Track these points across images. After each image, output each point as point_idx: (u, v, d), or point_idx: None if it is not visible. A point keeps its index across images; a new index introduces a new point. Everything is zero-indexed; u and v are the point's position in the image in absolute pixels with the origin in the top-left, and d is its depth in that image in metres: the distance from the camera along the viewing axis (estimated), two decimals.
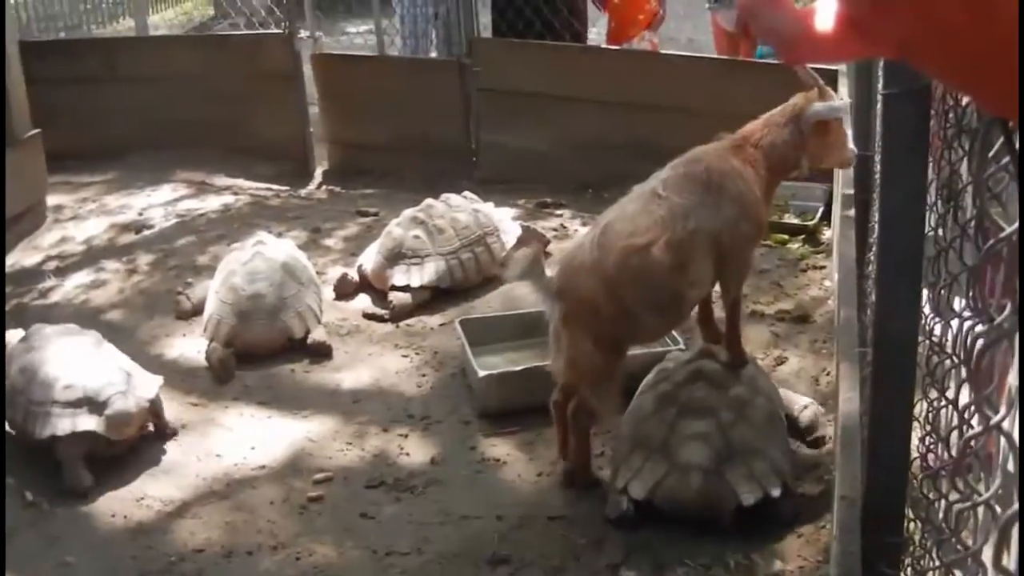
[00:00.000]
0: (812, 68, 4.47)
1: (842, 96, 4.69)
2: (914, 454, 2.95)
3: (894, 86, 2.44)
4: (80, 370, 4.97)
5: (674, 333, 5.23)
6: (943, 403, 2.38)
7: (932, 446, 2.75)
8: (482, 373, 5.16)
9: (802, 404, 4.83)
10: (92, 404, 4.85)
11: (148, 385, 5.09)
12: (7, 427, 5.04)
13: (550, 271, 4.47)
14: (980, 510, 1.65)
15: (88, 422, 4.81)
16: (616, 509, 4.38)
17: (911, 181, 2.50)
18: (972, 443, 1.51)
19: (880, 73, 2.56)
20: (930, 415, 2.82)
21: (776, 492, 4.26)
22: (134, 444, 5.06)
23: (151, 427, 5.18)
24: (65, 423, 4.81)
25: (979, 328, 1.52)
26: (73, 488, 4.80)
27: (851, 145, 4.51)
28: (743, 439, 4.32)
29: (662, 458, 4.35)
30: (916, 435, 2.89)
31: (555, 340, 4.46)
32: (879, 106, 2.53)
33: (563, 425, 4.65)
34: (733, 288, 4.61)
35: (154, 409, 5.13)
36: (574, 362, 4.39)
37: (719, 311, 4.82)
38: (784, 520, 4.33)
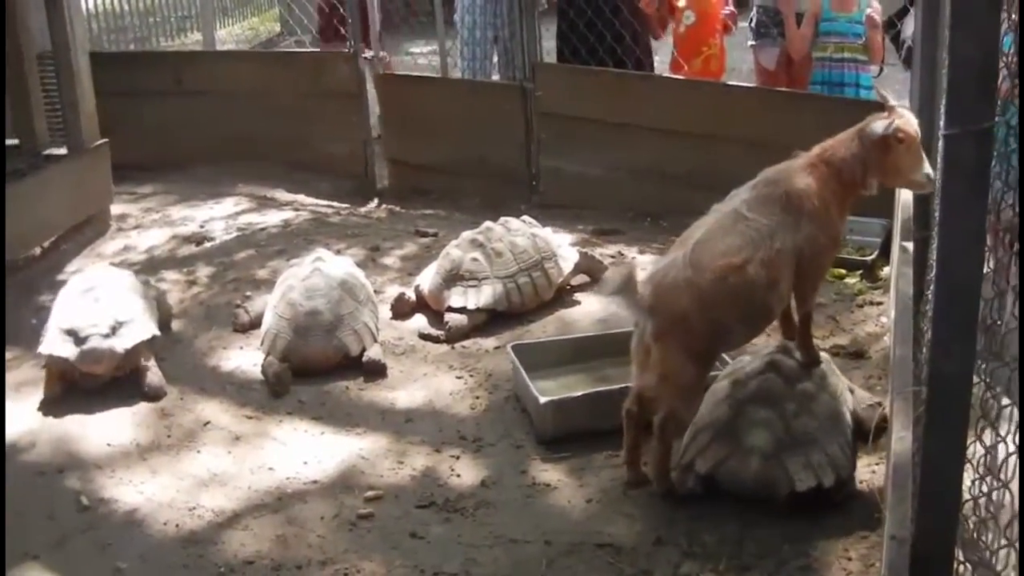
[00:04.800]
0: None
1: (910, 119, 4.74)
2: (967, 496, 2.95)
3: (955, 126, 2.44)
4: (84, 307, 5.78)
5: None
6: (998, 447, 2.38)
7: (984, 489, 2.75)
8: (543, 399, 5.16)
9: (867, 403, 5.08)
10: (76, 337, 5.63)
11: (131, 336, 5.71)
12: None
13: (641, 288, 4.56)
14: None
15: (65, 350, 5.61)
16: (684, 486, 4.70)
17: (970, 223, 2.50)
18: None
19: (942, 112, 2.55)
20: (984, 458, 2.82)
21: (829, 483, 4.49)
22: (108, 383, 5.73)
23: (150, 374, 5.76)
24: (50, 345, 5.66)
25: None
26: (44, 397, 5.66)
27: (927, 169, 4.62)
28: (804, 430, 4.60)
29: (727, 439, 4.65)
30: (968, 477, 2.89)
31: (641, 355, 4.62)
32: (940, 145, 2.53)
33: (634, 433, 4.77)
34: (810, 297, 4.91)
35: (134, 359, 5.73)
36: (666, 376, 4.53)
37: None
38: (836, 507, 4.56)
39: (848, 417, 4.81)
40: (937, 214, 2.89)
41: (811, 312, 4.99)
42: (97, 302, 5.81)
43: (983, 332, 2.73)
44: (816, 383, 4.82)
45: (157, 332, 5.98)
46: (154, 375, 5.75)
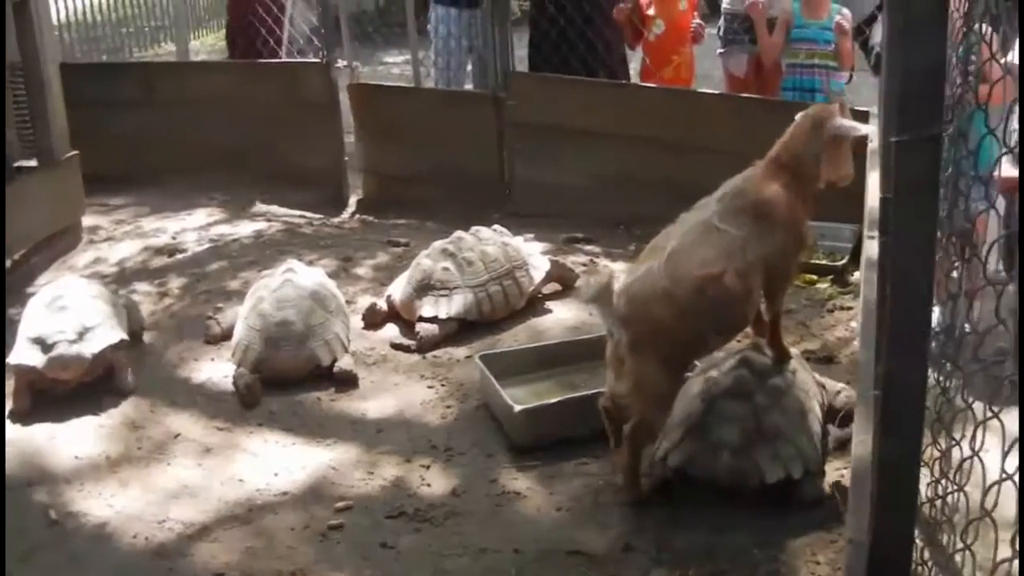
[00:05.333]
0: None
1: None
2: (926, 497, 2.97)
3: (905, 133, 2.45)
4: (51, 316, 5.84)
5: None
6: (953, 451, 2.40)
7: (941, 493, 2.77)
8: (517, 408, 5.16)
9: (837, 388, 5.23)
10: (43, 345, 5.69)
11: (97, 341, 5.77)
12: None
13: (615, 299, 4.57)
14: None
15: (33, 358, 5.66)
16: (655, 479, 4.81)
17: (921, 228, 2.52)
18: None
19: (893, 119, 2.56)
20: (941, 462, 2.84)
21: (797, 474, 4.62)
22: (78, 388, 5.79)
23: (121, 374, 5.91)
24: (18, 355, 5.70)
25: None
26: (12, 409, 5.65)
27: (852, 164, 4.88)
28: (773, 424, 4.70)
29: (699, 434, 4.74)
30: (925, 479, 2.91)
31: (615, 363, 4.64)
32: (891, 152, 2.54)
33: (616, 426, 4.83)
34: (779, 298, 5.00)
35: (103, 362, 5.82)
36: (639, 385, 4.54)
37: None
38: (804, 504, 4.65)
39: (818, 411, 4.92)
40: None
41: (780, 312, 5.07)
42: (63, 310, 5.86)
43: (938, 336, 2.75)
44: (786, 379, 4.92)
45: (125, 336, 6.01)
46: (124, 373, 5.88)
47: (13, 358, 5.71)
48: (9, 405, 5.66)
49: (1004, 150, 2.39)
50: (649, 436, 4.70)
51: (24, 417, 5.59)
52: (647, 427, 4.64)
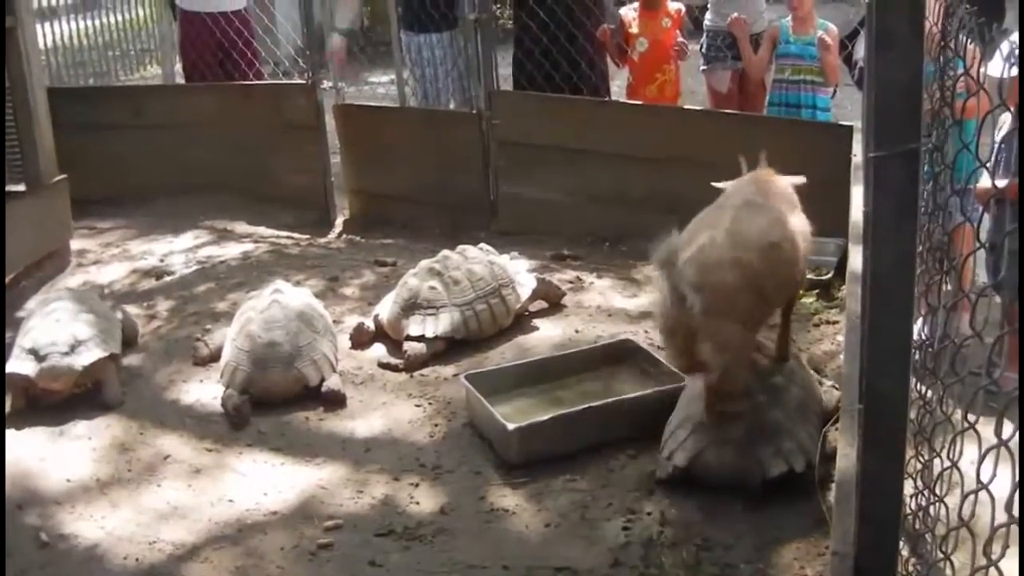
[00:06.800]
0: None
1: None
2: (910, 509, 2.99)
3: (883, 148, 2.48)
4: (46, 328, 6.04)
5: None
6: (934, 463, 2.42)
7: (923, 504, 2.79)
8: (511, 426, 5.17)
9: (827, 386, 5.49)
10: (36, 355, 5.89)
11: (88, 354, 5.95)
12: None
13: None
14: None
15: (26, 368, 5.87)
16: (664, 471, 4.96)
17: (900, 242, 2.54)
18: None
19: (871, 134, 2.59)
20: (923, 473, 2.86)
21: (800, 467, 4.79)
22: (69, 398, 5.98)
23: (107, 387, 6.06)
24: (14, 363, 5.92)
25: None
26: (10, 410, 5.87)
27: None
28: (774, 421, 4.91)
29: (703, 432, 4.91)
30: (910, 491, 2.93)
31: (681, 329, 4.70)
32: (870, 168, 2.57)
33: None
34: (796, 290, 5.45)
35: (93, 374, 6.01)
36: (724, 345, 4.70)
37: None
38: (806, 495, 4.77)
39: (817, 407, 5.15)
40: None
41: (791, 310, 5.43)
42: (58, 323, 6.06)
43: (921, 348, 2.78)
44: (786, 377, 5.16)
45: (116, 350, 6.17)
46: (111, 387, 6.05)
47: (10, 366, 5.90)
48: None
49: (977, 164, 2.41)
50: (733, 387, 4.89)
51: (14, 441, 5.58)
52: (731, 379, 4.83)
